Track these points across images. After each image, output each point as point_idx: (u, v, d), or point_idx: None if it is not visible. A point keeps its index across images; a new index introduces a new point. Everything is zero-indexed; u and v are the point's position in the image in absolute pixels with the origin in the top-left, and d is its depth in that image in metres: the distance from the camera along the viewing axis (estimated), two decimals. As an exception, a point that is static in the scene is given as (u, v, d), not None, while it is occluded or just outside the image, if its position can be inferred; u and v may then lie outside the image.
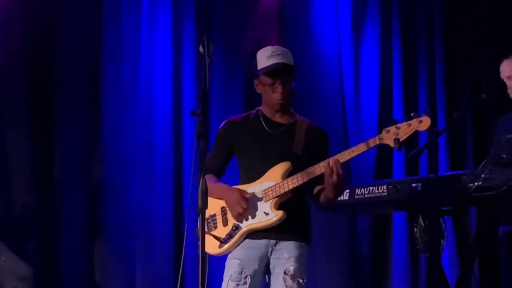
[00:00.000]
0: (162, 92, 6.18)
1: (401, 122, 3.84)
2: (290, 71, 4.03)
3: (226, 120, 4.21)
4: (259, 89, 4.11)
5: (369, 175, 6.21)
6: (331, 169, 3.84)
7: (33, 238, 6.10)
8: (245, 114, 4.20)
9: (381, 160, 6.32)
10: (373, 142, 3.88)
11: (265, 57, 4.03)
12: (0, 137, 6.08)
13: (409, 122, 3.83)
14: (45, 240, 6.07)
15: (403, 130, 3.82)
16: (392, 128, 3.85)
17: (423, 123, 3.81)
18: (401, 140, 3.82)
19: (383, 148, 6.13)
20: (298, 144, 4.04)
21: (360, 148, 3.88)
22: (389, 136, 3.84)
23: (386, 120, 3.89)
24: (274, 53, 4.01)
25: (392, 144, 3.83)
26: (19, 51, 6.09)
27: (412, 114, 3.84)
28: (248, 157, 4.09)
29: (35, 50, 6.11)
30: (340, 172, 3.84)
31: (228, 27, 6.29)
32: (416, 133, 3.82)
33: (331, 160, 3.86)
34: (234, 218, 4.01)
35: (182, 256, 3.68)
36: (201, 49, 3.66)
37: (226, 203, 4.04)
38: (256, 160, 4.05)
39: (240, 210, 3.95)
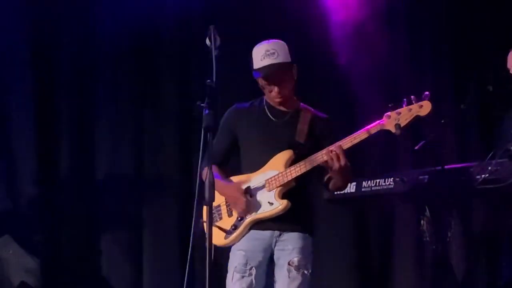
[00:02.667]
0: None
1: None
2: (285, 68, 4.00)
3: (231, 107, 4.20)
4: (259, 85, 4.11)
5: (375, 167, 6.20)
6: (333, 155, 3.82)
7: (39, 231, 6.12)
8: (251, 102, 4.20)
9: (388, 153, 6.31)
10: (374, 128, 3.86)
11: (259, 57, 4.01)
12: (6, 132, 6.10)
13: (410, 107, 3.81)
14: (51, 233, 6.09)
15: (404, 115, 3.81)
16: (392, 114, 3.83)
17: (424, 107, 3.79)
18: (402, 125, 3.80)
19: (389, 140, 6.14)
20: (301, 132, 4.03)
21: (362, 135, 3.87)
22: (389, 122, 3.83)
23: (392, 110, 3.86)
24: (267, 52, 3.99)
25: (393, 130, 3.81)
26: (25, 46, 6.11)
27: (412, 98, 3.82)
28: (251, 145, 4.08)
29: (40, 44, 6.14)
30: (342, 157, 3.82)
31: (235, 17, 6.27)
32: (418, 118, 3.79)
33: (332, 146, 3.85)
34: (239, 213, 4.00)
35: (190, 247, 3.69)
36: (208, 41, 3.66)
37: (227, 199, 4.04)
38: (259, 148, 4.05)
39: (244, 204, 3.95)
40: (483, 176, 4.55)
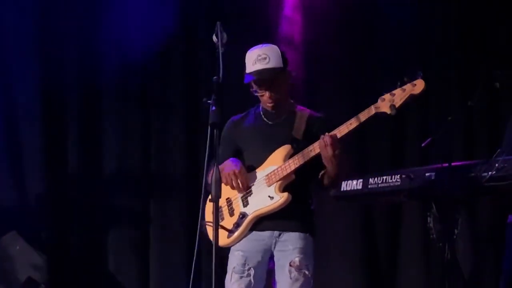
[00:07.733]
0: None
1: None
2: (276, 73, 3.97)
3: (228, 120, 4.19)
4: (252, 90, 4.08)
5: (382, 164, 6.19)
6: (325, 141, 3.81)
7: (46, 227, 6.14)
8: (246, 112, 4.20)
9: (395, 150, 6.30)
10: (369, 111, 3.84)
11: (250, 62, 4.00)
12: (13, 127, 6.12)
13: (403, 87, 3.80)
14: (58, 230, 6.10)
15: (398, 95, 3.80)
16: (387, 96, 3.82)
17: (417, 86, 3.78)
18: (397, 106, 3.79)
19: (396, 137, 6.14)
20: (298, 130, 4.02)
21: (360, 117, 3.84)
22: (384, 104, 3.82)
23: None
24: (259, 57, 3.97)
25: (388, 111, 3.80)
26: (31, 41, 6.14)
27: (405, 79, 3.81)
28: (250, 149, 4.07)
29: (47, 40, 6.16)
30: (331, 145, 3.79)
31: (242, 15, 6.28)
32: (412, 97, 3.78)
33: (324, 136, 3.84)
34: (235, 186, 3.97)
35: (196, 244, 3.69)
36: (214, 38, 3.65)
37: (224, 172, 3.97)
38: (257, 150, 4.04)
39: (232, 178, 3.93)
40: (490, 173, 4.54)
